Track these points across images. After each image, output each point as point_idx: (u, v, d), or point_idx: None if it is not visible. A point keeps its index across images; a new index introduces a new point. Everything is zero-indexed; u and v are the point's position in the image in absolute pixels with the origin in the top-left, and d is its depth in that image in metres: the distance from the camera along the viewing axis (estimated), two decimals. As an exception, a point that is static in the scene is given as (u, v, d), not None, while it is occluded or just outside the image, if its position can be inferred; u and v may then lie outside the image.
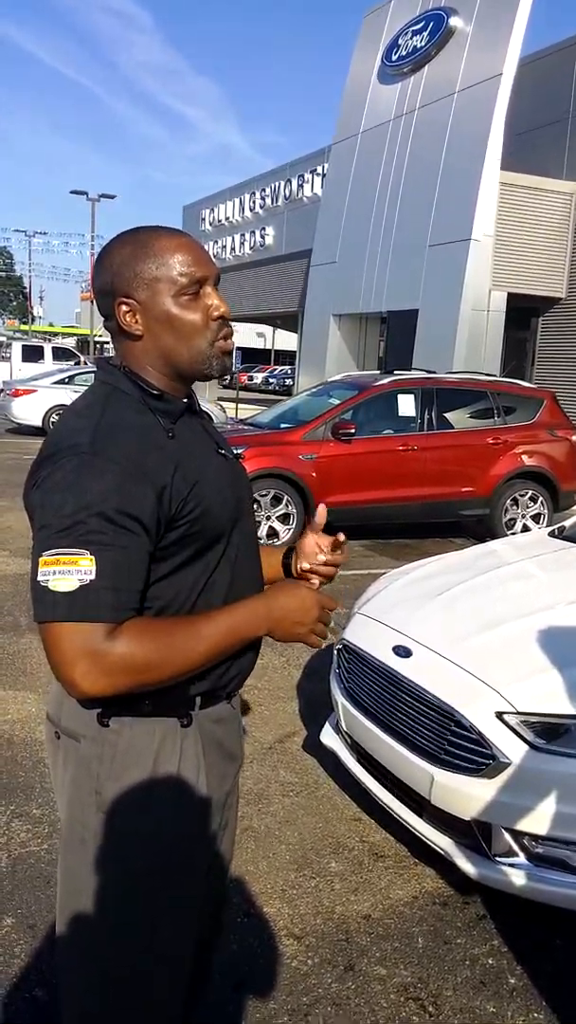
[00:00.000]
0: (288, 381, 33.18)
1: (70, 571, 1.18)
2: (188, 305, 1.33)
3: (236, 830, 1.67)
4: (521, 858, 2.43)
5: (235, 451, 1.53)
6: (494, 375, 10.73)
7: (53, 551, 1.19)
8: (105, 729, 1.31)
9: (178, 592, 1.31)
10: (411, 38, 17.42)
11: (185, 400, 1.40)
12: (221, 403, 17.26)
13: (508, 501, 8.52)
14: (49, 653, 1.21)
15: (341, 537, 1.60)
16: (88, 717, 1.32)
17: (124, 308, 1.32)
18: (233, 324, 1.44)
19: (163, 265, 1.31)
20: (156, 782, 1.32)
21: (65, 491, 1.20)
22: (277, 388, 36.09)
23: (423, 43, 17.03)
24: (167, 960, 1.37)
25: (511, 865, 2.44)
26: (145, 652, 1.21)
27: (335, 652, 3.36)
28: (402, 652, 2.87)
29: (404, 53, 17.65)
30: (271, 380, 38.63)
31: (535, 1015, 2.23)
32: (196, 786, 1.36)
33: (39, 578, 1.20)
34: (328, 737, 3.34)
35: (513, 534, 8.37)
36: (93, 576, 1.18)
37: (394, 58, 18.00)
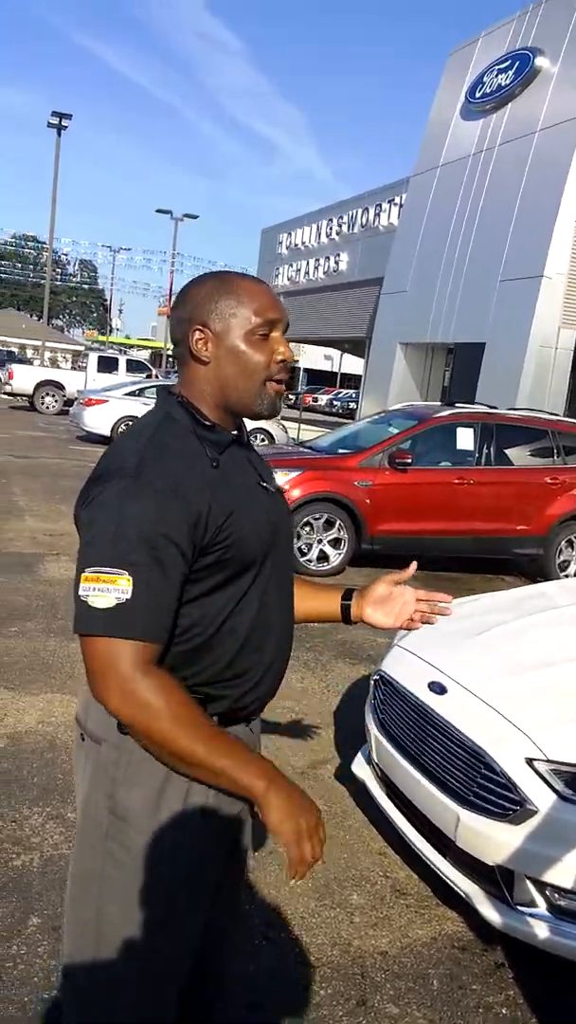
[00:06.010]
0: (352, 404, 33.26)
1: (109, 589, 1.27)
2: (257, 344, 1.43)
3: (250, 852, 1.70)
4: (542, 909, 2.41)
5: (277, 485, 1.60)
6: (557, 414, 10.62)
7: (94, 568, 1.28)
8: (124, 736, 1.38)
9: (205, 613, 1.38)
10: (496, 76, 17.52)
11: (235, 433, 1.49)
12: (283, 423, 17.35)
13: (563, 542, 8.42)
14: (85, 662, 1.31)
15: (412, 569, 1.75)
16: (110, 723, 1.39)
17: (198, 335, 1.42)
18: (302, 346, 1.53)
19: (241, 304, 1.41)
20: (167, 793, 1.38)
21: (109, 512, 1.29)
22: (341, 411, 36.19)
23: (508, 81, 17.11)
24: (161, 962, 1.42)
25: (532, 916, 2.42)
26: (160, 707, 1.26)
27: (371, 682, 3.37)
28: (437, 689, 2.87)
29: (488, 91, 17.76)
30: (335, 403, 38.74)
31: (546, 1070, 2.20)
32: (206, 802, 1.41)
33: (80, 593, 1.28)
34: (359, 767, 3.34)
35: (567, 576, 8.26)
36: (129, 596, 1.26)
37: (478, 95, 18.11)
